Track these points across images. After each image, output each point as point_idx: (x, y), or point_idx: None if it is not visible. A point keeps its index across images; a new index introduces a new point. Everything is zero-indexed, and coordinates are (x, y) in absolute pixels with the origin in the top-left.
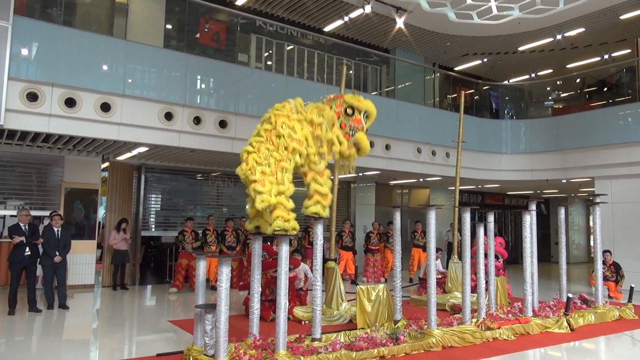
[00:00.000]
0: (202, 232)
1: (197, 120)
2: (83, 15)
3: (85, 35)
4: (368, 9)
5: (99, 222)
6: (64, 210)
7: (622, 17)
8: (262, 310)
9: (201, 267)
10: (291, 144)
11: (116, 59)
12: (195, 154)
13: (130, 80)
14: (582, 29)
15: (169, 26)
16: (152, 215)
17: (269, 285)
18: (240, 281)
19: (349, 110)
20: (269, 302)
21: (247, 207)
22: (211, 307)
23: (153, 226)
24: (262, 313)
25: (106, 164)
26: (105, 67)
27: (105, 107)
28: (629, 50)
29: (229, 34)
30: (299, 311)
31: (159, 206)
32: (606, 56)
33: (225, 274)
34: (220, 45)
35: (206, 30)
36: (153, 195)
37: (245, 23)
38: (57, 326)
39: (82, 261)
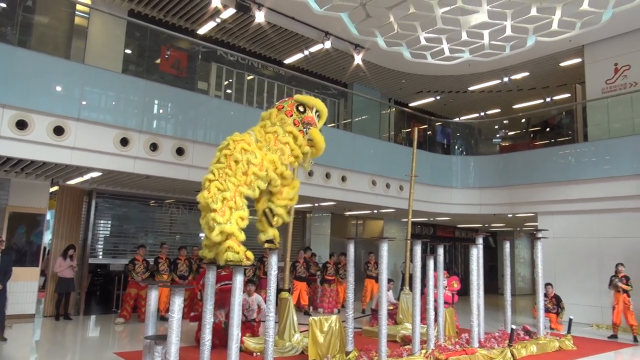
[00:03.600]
0: (154, 260)
1: (154, 147)
2: (39, 37)
3: (41, 57)
4: (328, 44)
5: (44, 248)
6: (6, 235)
7: (562, 64)
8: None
9: (153, 297)
10: (251, 169)
11: (72, 82)
12: (150, 181)
13: (84, 103)
14: (527, 73)
15: (128, 51)
16: (100, 242)
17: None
18: (191, 311)
19: (301, 108)
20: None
21: (202, 236)
22: (161, 338)
23: (101, 253)
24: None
25: (55, 188)
26: (60, 90)
27: (59, 131)
28: (568, 95)
29: (189, 61)
30: (250, 342)
31: (109, 232)
32: (548, 99)
33: (177, 304)
34: (180, 72)
35: (167, 57)
36: (103, 221)
37: (206, 51)
38: None
39: (23, 289)
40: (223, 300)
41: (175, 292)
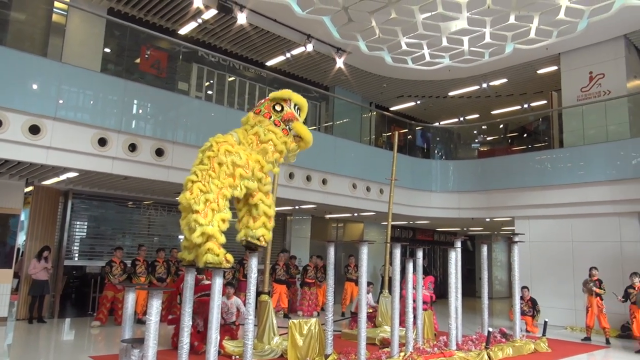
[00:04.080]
0: (132, 263)
1: (133, 147)
2: (16, 33)
3: (17, 54)
4: (310, 47)
5: (18, 250)
6: None
7: (539, 72)
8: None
9: (130, 300)
10: (237, 171)
11: (49, 81)
12: (129, 182)
13: (61, 101)
14: (505, 80)
15: (107, 50)
16: (76, 244)
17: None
18: (169, 314)
19: (278, 107)
20: (199, 333)
21: (181, 238)
22: (138, 342)
23: (77, 255)
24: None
25: (30, 188)
26: (36, 88)
27: (34, 130)
28: (545, 102)
29: (170, 61)
30: (229, 345)
31: (85, 234)
32: (526, 105)
33: (155, 307)
34: (160, 72)
35: (147, 56)
36: (79, 223)
37: (187, 52)
38: None
39: None
40: (202, 311)
41: (153, 295)
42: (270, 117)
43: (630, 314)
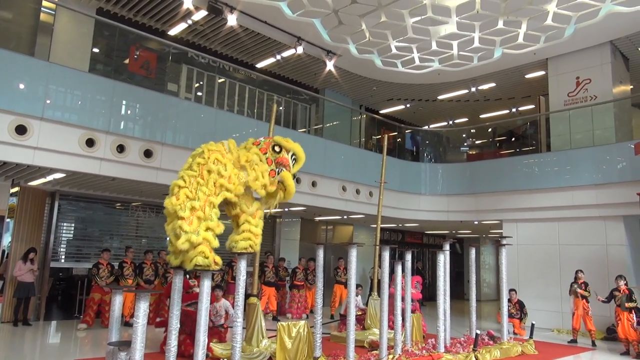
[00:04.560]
0: (119, 265)
1: (121, 149)
2: (2, 32)
3: (3, 53)
4: (300, 49)
5: (3, 251)
6: None
7: (527, 76)
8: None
9: (117, 302)
10: (220, 180)
11: (36, 80)
12: (117, 183)
13: (49, 101)
14: (493, 84)
15: (96, 50)
16: (63, 245)
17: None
18: (156, 317)
19: (277, 148)
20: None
21: (167, 240)
22: (125, 345)
23: (63, 257)
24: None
25: (16, 189)
26: (23, 88)
27: (21, 130)
28: (532, 106)
29: (159, 62)
30: (217, 348)
31: (72, 235)
32: (514, 110)
33: (142, 309)
34: (150, 73)
35: (136, 57)
36: (66, 224)
37: (177, 53)
38: None
39: None
40: (187, 323)
41: (141, 297)
42: (266, 153)
43: (616, 317)
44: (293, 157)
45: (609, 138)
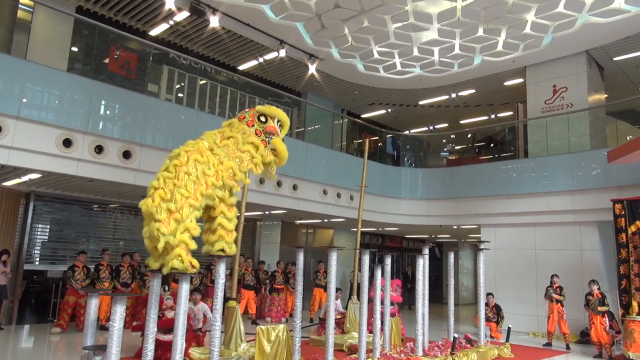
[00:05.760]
0: (95, 267)
1: (99, 149)
2: None
3: None
4: (282, 53)
5: None
6: None
7: (505, 84)
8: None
9: (93, 306)
10: (209, 180)
11: (12, 79)
12: (94, 184)
13: (25, 100)
14: (473, 90)
15: (75, 49)
16: (37, 247)
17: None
18: (133, 320)
19: (262, 118)
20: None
21: (145, 242)
22: (101, 349)
23: (38, 259)
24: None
25: None
26: None
27: None
28: (511, 113)
29: (140, 63)
30: (195, 353)
31: (47, 237)
32: (493, 116)
33: (119, 312)
34: (130, 74)
35: (116, 57)
36: (41, 225)
37: (158, 54)
38: None
39: None
40: (162, 352)
41: (117, 301)
42: (253, 125)
43: (589, 320)
44: (279, 123)
45: (584, 145)
